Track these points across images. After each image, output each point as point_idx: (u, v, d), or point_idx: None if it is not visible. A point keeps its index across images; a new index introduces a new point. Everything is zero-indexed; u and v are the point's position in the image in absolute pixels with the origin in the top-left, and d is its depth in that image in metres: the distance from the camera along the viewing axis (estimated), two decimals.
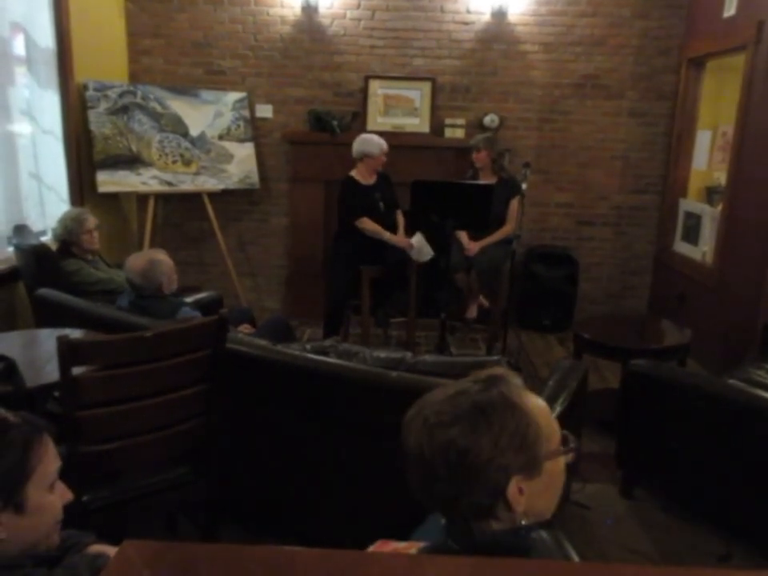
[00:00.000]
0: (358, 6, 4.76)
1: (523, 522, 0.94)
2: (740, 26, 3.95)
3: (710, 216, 4.41)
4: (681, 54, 4.72)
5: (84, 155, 4.21)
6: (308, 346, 2.40)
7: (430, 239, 4.08)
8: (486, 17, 4.76)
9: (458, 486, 0.92)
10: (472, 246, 4.26)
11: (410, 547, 1.01)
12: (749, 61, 3.84)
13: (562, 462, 0.99)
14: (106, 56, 4.59)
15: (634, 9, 4.73)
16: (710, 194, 4.93)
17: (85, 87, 4.18)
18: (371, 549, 1.05)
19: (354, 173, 4.16)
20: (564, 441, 0.99)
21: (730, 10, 4.10)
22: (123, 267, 2.82)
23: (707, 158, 4.72)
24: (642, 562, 2.39)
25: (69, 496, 1.19)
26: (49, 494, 1.14)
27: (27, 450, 1.10)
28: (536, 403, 0.98)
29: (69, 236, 3.47)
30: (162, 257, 2.74)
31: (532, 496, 0.94)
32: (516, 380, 0.99)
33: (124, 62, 4.81)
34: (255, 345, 2.27)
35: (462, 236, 4.31)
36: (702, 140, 4.72)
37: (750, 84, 3.84)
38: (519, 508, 0.93)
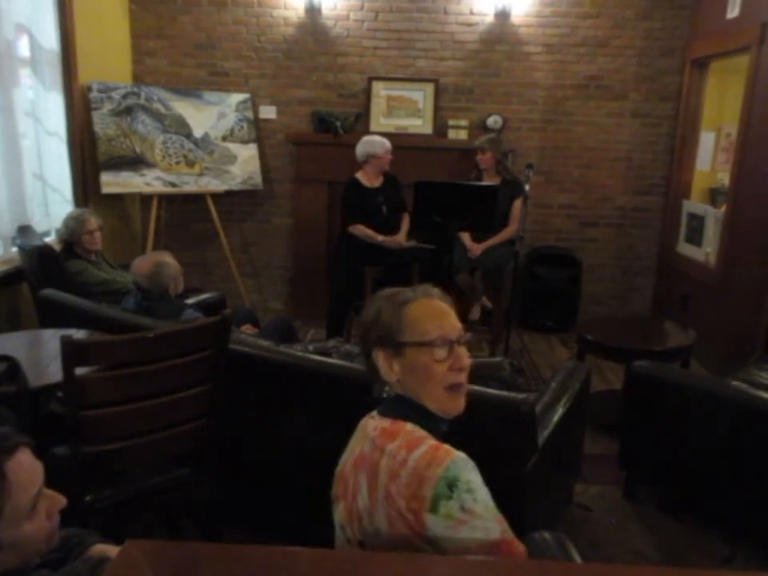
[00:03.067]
0: (362, 8, 4.77)
1: (387, 389, 1.24)
2: (744, 27, 3.95)
3: (714, 217, 4.40)
4: (684, 55, 4.72)
5: (88, 156, 4.23)
6: (311, 347, 2.41)
7: (433, 240, 4.08)
8: (490, 18, 4.76)
9: (360, 340, 1.30)
10: (475, 248, 4.26)
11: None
12: (752, 62, 3.83)
13: (426, 356, 1.21)
14: (110, 57, 4.60)
15: (638, 10, 4.73)
16: (714, 195, 4.92)
17: (89, 89, 4.20)
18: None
19: (359, 174, 4.16)
20: (440, 340, 1.21)
21: (733, 12, 4.09)
22: (130, 269, 2.82)
23: (711, 159, 4.71)
24: (645, 563, 2.38)
25: (61, 503, 1.10)
26: (29, 522, 1.03)
27: None
28: (418, 304, 1.25)
29: (71, 236, 3.49)
30: (169, 259, 2.74)
31: (402, 373, 1.22)
32: (436, 293, 1.29)
33: (128, 64, 4.83)
34: (258, 345, 2.28)
35: (465, 237, 4.31)
36: (706, 141, 4.71)
37: (753, 85, 3.83)
38: (386, 375, 1.24)
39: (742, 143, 3.96)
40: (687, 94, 4.69)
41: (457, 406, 1.23)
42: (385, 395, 1.25)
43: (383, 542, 1.11)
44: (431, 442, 1.15)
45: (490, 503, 1.12)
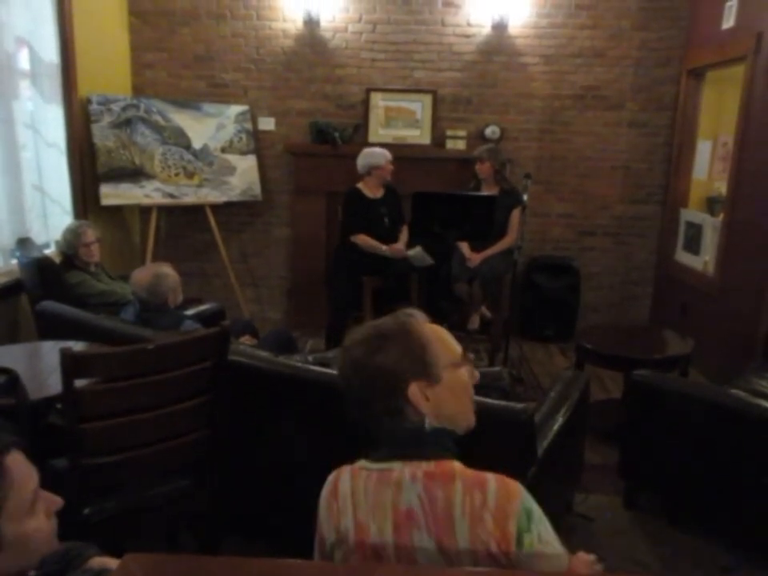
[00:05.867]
0: (360, 20, 4.80)
1: (427, 422, 1.14)
2: (739, 37, 3.98)
3: (711, 226, 4.41)
4: (681, 65, 4.75)
5: (87, 168, 4.24)
6: (310, 358, 2.41)
7: (431, 250, 4.09)
8: (487, 29, 4.80)
9: (367, 391, 1.16)
10: (474, 257, 4.27)
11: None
12: (748, 72, 3.86)
13: (461, 374, 1.20)
14: (110, 70, 4.62)
15: (634, 21, 4.76)
16: (711, 204, 4.94)
17: (88, 101, 4.22)
18: (334, 474, 1.23)
19: (360, 185, 4.18)
20: (462, 358, 1.21)
21: (729, 22, 4.12)
22: (129, 280, 2.82)
23: (708, 168, 4.73)
24: (646, 573, 2.37)
25: (57, 503, 1.09)
26: (30, 519, 1.03)
27: None
28: (430, 329, 1.21)
29: (68, 249, 3.50)
30: (168, 270, 2.74)
31: (438, 401, 1.16)
32: (420, 315, 1.24)
33: (127, 76, 4.85)
34: (257, 356, 2.28)
35: (464, 247, 4.32)
36: (703, 150, 4.73)
37: (749, 94, 3.86)
38: (423, 409, 1.14)
39: (738, 152, 3.98)
40: (683, 104, 4.72)
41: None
42: (428, 430, 1.14)
43: None
44: (487, 474, 1.11)
45: (552, 529, 1.11)
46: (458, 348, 1.22)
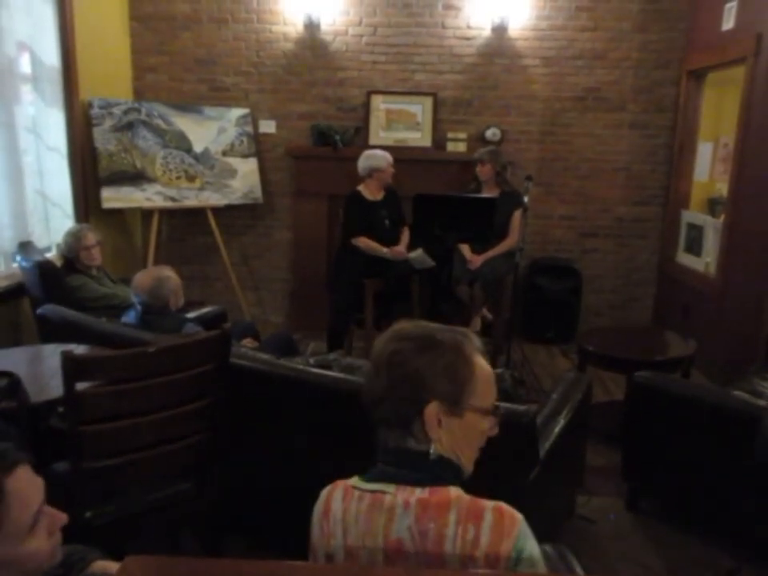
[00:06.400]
0: (360, 23, 4.81)
1: (432, 450, 1.08)
2: (739, 38, 3.98)
3: (713, 227, 4.41)
4: (681, 67, 4.75)
5: (89, 171, 4.25)
6: (311, 360, 2.41)
7: (432, 252, 4.09)
8: (487, 32, 4.80)
9: (390, 386, 1.09)
10: (475, 259, 4.27)
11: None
12: (748, 73, 3.85)
13: (484, 423, 1.13)
14: (111, 74, 4.64)
15: (635, 23, 4.77)
16: (712, 205, 4.94)
17: (90, 105, 4.23)
18: (327, 490, 1.17)
19: (361, 187, 4.19)
20: (494, 410, 1.14)
21: (728, 23, 4.12)
22: (130, 283, 2.83)
23: (709, 170, 4.73)
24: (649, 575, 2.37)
25: (61, 519, 1.07)
26: (30, 540, 1.01)
27: None
28: (482, 364, 1.13)
29: (69, 252, 3.51)
30: (169, 273, 2.75)
31: (449, 432, 1.09)
32: (476, 341, 1.15)
33: (128, 80, 4.87)
34: (258, 359, 2.28)
35: (465, 249, 4.32)
36: (704, 151, 4.73)
37: (749, 96, 3.86)
38: (433, 433, 1.08)
39: (739, 153, 3.98)
40: (684, 106, 4.72)
41: None
42: (432, 457, 1.09)
43: None
44: (486, 503, 1.07)
45: (539, 556, 1.08)
46: (494, 396, 1.15)
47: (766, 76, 3.71)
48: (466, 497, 1.08)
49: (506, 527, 1.03)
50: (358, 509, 1.10)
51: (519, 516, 1.06)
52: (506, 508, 1.06)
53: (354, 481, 1.15)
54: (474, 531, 1.03)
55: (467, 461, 1.14)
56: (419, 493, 1.06)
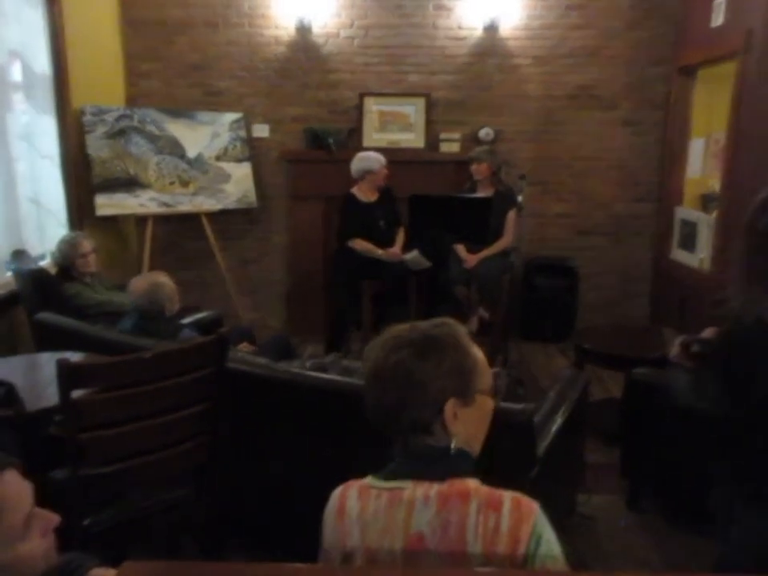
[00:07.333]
0: (352, 25, 4.82)
1: (453, 444, 1.10)
2: (729, 35, 3.99)
3: (706, 223, 4.42)
4: (672, 64, 4.76)
5: (82, 179, 4.24)
6: (308, 363, 2.41)
7: (428, 253, 4.09)
8: (479, 32, 4.81)
9: (403, 398, 1.09)
10: (471, 258, 4.27)
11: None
12: (739, 69, 3.87)
13: (489, 402, 1.17)
14: (104, 80, 4.63)
15: (626, 20, 4.78)
16: (706, 202, 4.95)
17: (82, 112, 4.22)
18: (339, 490, 1.17)
19: (355, 189, 4.19)
20: (494, 388, 1.18)
21: (718, 20, 4.14)
22: (126, 290, 2.83)
23: (701, 166, 4.74)
24: (650, 572, 2.37)
25: (53, 521, 1.07)
26: (22, 543, 1.00)
27: None
28: (474, 348, 1.17)
29: (65, 260, 3.49)
30: (164, 279, 2.75)
31: (464, 423, 1.11)
32: (462, 328, 1.18)
33: (121, 86, 4.86)
34: (256, 363, 2.28)
35: (460, 249, 4.32)
36: (696, 148, 4.74)
37: (740, 92, 3.87)
38: (453, 428, 1.10)
39: (731, 149, 3.99)
40: (676, 102, 4.73)
41: None
42: (452, 452, 1.11)
43: None
44: (505, 493, 1.09)
45: (560, 552, 1.09)
46: (491, 375, 1.19)
47: (757, 72, 3.73)
48: (484, 487, 1.10)
49: (524, 513, 1.06)
50: (377, 507, 1.10)
51: (536, 505, 1.08)
52: (524, 497, 1.09)
53: (370, 480, 1.15)
54: (495, 518, 1.05)
55: (478, 444, 1.18)
56: (438, 486, 1.08)
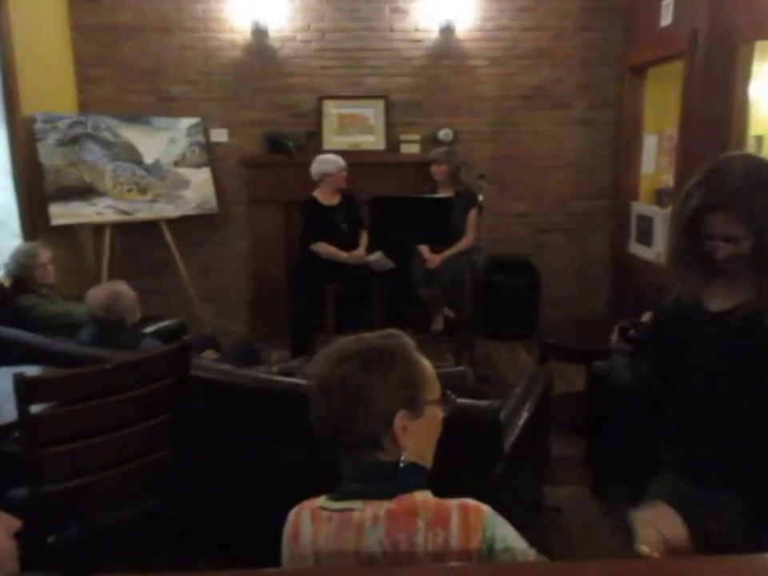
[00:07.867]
0: (308, 29, 4.80)
1: (403, 458, 1.07)
2: (676, 34, 4.11)
3: (661, 217, 4.54)
4: (622, 63, 4.88)
5: (35, 188, 4.13)
6: (274, 368, 2.40)
7: (391, 254, 4.11)
8: (435, 34, 4.85)
9: (351, 413, 1.06)
10: (434, 258, 4.30)
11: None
12: (686, 67, 3.98)
13: (439, 412, 1.15)
14: (54, 87, 4.52)
15: (576, 21, 4.88)
16: (660, 197, 5.07)
17: (33, 120, 4.11)
18: (294, 513, 1.15)
19: (316, 193, 4.18)
20: (443, 397, 1.16)
21: (666, 20, 4.26)
22: (84, 300, 2.77)
23: (655, 162, 4.86)
24: (618, 559, 2.41)
25: (15, 525, 1.07)
26: None
27: None
28: (422, 359, 1.15)
29: (22, 271, 3.40)
30: (123, 288, 2.71)
31: (414, 435, 1.08)
32: (409, 339, 1.16)
33: (72, 92, 4.75)
34: (219, 370, 2.25)
35: (424, 249, 4.35)
36: (649, 144, 4.86)
37: (689, 90, 3.98)
38: (403, 442, 1.07)
39: (683, 145, 4.10)
40: (628, 100, 4.85)
41: None
42: (402, 466, 1.07)
43: None
44: (450, 503, 1.07)
45: (523, 545, 1.07)
46: (438, 384, 1.17)
47: (703, 70, 3.84)
48: (432, 499, 1.08)
49: (471, 523, 1.04)
50: (328, 531, 1.08)
51: (485, 507, 1.07)
52: (471, 503, 1.07)
53: (322, 501, 1.13)
54: (443, 534, 1.03)
55: (429, 455, 1.15)
56: (386, 505, 1.06)
